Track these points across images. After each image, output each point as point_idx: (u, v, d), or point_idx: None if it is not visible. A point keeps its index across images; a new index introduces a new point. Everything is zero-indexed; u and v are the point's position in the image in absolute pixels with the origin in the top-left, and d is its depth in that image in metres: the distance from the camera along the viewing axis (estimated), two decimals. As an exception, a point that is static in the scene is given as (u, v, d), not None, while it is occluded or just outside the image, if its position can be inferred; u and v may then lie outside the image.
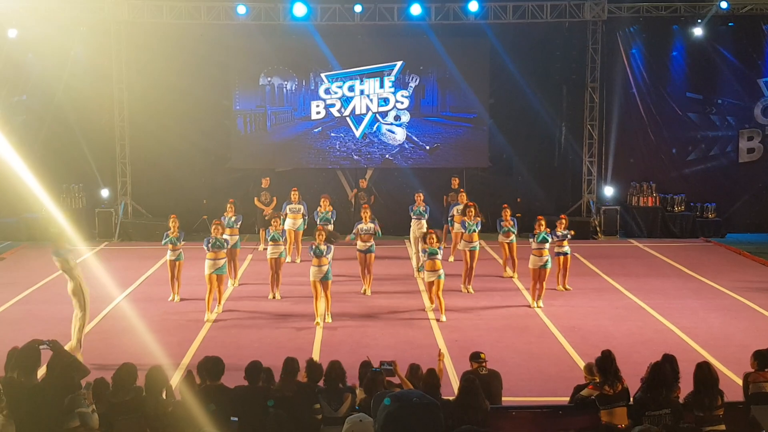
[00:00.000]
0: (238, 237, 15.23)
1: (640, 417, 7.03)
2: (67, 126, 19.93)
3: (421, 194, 16.50)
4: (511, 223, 15.36)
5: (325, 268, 12.70)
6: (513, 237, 15.39)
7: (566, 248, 14.49)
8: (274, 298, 14.10)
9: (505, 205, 15.67)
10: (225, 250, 13.26)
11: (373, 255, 14.51)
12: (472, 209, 14.78)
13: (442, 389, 7.57)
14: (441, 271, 12.83)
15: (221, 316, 13.08)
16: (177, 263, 13.95)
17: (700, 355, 10.71)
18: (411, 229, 16.25)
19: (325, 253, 12.72)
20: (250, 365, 7.41)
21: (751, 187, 20.88)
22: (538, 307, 13.47)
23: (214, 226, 13.26)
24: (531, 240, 13.86)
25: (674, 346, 11.18)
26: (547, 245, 13.72)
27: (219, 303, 13.24)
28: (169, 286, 14.11)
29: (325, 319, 12.72)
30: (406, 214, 16.98)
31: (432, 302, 13.17)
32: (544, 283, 13.60)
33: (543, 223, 13.87)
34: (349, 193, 20.25)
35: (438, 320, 12.74)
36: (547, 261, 13.54)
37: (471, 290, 14.58)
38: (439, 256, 12.86)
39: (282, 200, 17.49)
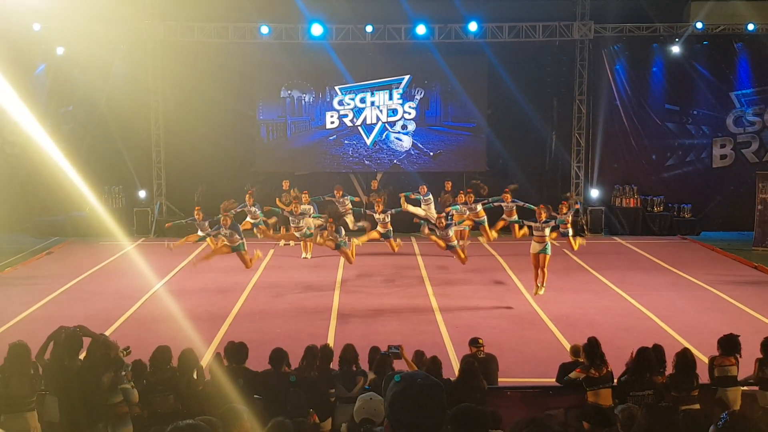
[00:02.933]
0: (259, 219, 15.86)
1: (625, 397, 7.01)
2: (108, 134, 19.98)
3: (425, 186, 17.05)
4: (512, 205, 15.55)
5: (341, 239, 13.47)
6: (516, 216, 15.47)
7: (569, 230, 14.32)
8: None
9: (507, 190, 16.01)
10: (236, 236, 13.35)
11: (392, 240, 14.86)
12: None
13: (444, 370, 7.57)
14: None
15: (245, 306, 13.09)
16: (208, 238, 14.64)
17: (677, 341, 10.65)
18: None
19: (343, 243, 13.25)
20: (274, 352, 7.36)
21: (723, 189, 20.75)
22: (538, 293, 12.94)
23: (222, 218, 13.31)
24: (534, 224, 13.08)
25: (653, 333, 11.14)
26: (548, 231, 12.95)
27: (258, 258, 13.84)
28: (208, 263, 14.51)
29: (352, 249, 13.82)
30: (412, 213, 16.98)
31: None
32: (546, 269, 12.96)
33: (543, 213, 13.05)
34: (361, 195, 20.28)
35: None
36: (546, 246, 12.85)
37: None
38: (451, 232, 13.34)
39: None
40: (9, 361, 6.50)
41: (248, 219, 16.12)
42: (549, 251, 12.95)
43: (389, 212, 15.01)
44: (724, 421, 3.59)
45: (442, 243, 13.67)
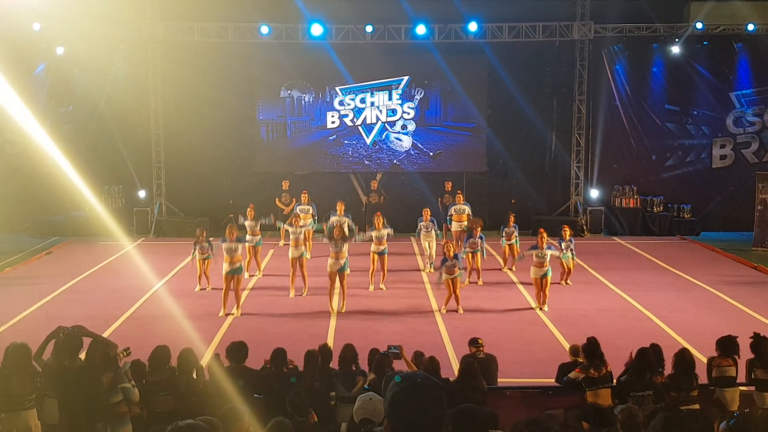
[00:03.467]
0: (259, 236, 15.22)
1: (625, 397, 7.01)
2: (108, 133, 19.97)
3: (428, 210, 15.97)
4: (513, 229, 15.40)
5: (342, 260, 12.67)
6: (515, 239, 15.40)
7: (569, 253, 14.18)
8: (300, 294, 13.70)
9: (512, 215, 15.76)
10: (239, 254, 12.61)
11: (386, 256, 14.23)
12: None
13: (443, 371, 7.58)
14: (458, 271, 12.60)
15: (246, 305, 13.07)
16: (206, 261, 13.92)
17: (677, 341, 10.67)
18: (421, 238, 15.74)
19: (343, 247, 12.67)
20: (276, 352, 7.35)
21: (723, 190, 20.75)
22: (544, 310, 12.71)
23: (228, 229, 12.68)
24: (532, 251, 12.81)
25: (653, 333, 11.15)
26: (549, 257, 12.81)
27: (237, 306, 12.51)
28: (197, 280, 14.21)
29: (340, 308, 12.69)
30: (412, 213, 17.00)
31: (448, 300, 12.79)
32: (547, 290, 12.84)
33: (545, 237, 12.86)
34: (361, 195, 20.32)
35: (456, 311, 12.61)
36: (547, 270, 12.70)
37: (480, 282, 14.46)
38: (460, 264, 12.60)
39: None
40: (9, 361, 6.51)
41: (247, 239, 14.63)
42: (550, 273, 12.86)
43: (388, 230, 14.31)
44: (734, 421, 3.59)
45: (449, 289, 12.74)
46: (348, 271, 12.92)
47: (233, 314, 12.48)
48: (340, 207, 16.23)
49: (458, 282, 12.65)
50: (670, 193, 20.71)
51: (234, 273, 12.49)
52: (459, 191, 17.10)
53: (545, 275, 12.78)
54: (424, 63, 20.11)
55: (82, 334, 6.78)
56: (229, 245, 12.48)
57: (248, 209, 15.25)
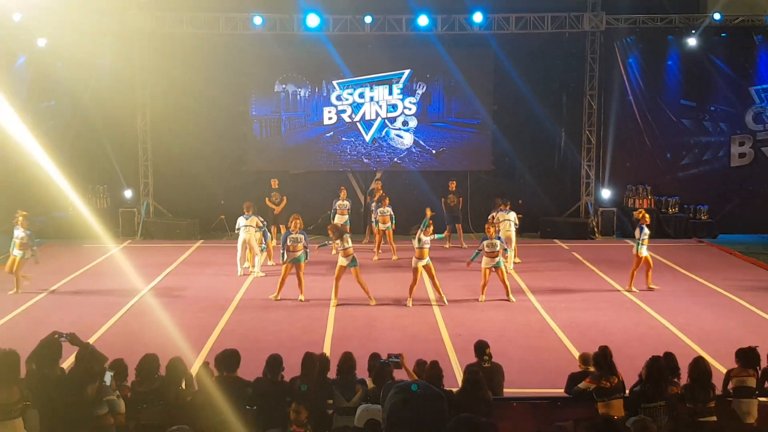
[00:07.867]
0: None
1: (636, 409, 7.03)
2: (93, 130, 19.97)
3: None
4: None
5: (350, 256, 13.34)
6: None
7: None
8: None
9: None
10: (301, 243, 13.52)
11: (391, 231, 16.66)
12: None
13: (446, 381, 7.60)
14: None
15: (238, 312, 13.10)
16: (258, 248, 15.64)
17: (693, 350, 10.67)
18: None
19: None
20: (271, 358, 7.40)
21: (742, 190, 20.73)
22: (482, 301, 13.62)
23: (292, 221, 13.63)
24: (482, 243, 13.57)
25: (668, 341, 11.17)
26: (498, 246, 13.55)
27: (301, 291, 13.61)
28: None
29: (369, 301, 13.47)
30: (413, 214, 17.05)
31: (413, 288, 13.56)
32: (506, 280, 13.69)
33: (492, 227, 14.08)
34: (360, 195, 20.33)
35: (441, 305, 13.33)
36: (499, 260, 13.55)
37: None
38: (428, 245, 13.36)
39: (292, 200, 18.47)
40: None
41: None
42: (501, 264, 13.66)
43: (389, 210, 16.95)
44: None
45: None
46: (358, 265, 13.53)
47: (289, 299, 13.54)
48: (342, 193, 17.80)
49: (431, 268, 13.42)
50: (686, 194, 20.69)
51: (294, 261, 13.45)
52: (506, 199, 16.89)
53: (497, 265, 13.52)
54: (426, 56, 20.11)
55: (73, 343, 6.78)
56: (292, 236, 13.46)
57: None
